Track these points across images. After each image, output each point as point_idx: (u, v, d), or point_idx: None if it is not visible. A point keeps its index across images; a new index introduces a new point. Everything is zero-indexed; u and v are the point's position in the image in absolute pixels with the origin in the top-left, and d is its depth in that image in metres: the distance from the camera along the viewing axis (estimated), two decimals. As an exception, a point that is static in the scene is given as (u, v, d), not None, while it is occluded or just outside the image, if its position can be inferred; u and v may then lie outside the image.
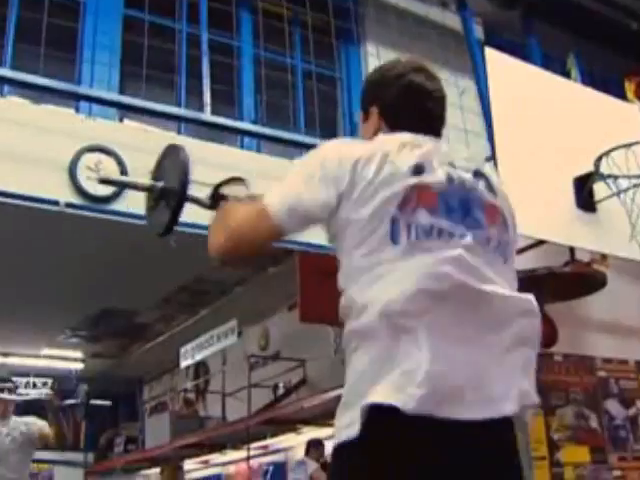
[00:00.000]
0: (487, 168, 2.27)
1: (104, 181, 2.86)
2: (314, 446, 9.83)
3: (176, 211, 2.44)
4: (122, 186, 3.15)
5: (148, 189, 2.62)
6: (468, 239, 2.02)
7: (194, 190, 2.50)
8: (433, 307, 1.88)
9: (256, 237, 2.11)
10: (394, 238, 1.96)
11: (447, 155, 2.16)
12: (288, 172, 2.15)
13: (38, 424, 6.23)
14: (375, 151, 2.06)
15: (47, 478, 16.74)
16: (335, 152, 2.10)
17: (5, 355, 14.79)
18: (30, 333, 13.48)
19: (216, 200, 2.48)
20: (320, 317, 7.73)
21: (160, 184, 2.55)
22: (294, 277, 8.55)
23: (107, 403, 6.92)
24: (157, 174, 2.61)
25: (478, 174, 2.18)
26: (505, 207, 2.18)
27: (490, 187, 2.18)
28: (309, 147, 2.33)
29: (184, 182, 2.44)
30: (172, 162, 2.55)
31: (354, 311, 1.97)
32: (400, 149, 2.07)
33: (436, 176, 2.07)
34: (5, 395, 6.07)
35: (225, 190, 2.51)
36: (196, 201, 2.49)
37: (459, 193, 2.07)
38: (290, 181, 2.12)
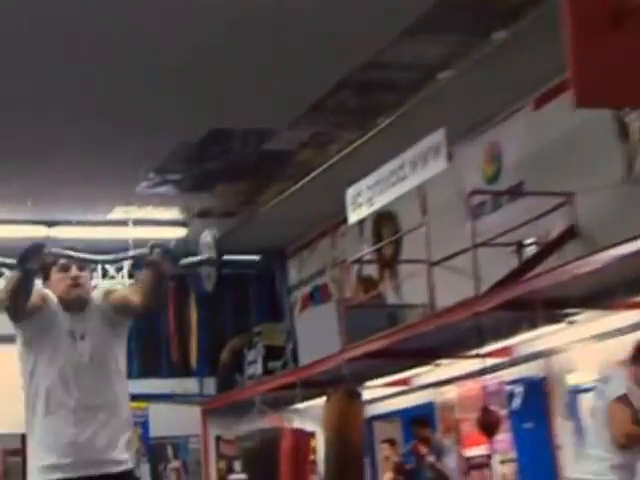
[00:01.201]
0: None
1: None
2: None
3: None
4: None
5: None
6: None
7: None
8: None
9: None
10: None
11: None
12: None
13: (103, 287, 6.64)
14: None
15: (140, 424, 17.10)
16: None
17: (50, 225, 15.29)
18: (90, 183, 14.17)
19: None
20: (612, 96, 7.15)
21: None
22: (542, 42, 8.79)
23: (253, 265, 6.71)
24: None
25: None
26: None
27: None
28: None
29: None
30: None
31: None
32: None
33: None
34: (84, 273, 6.26)
35: None
36: None
37: None
38: None
